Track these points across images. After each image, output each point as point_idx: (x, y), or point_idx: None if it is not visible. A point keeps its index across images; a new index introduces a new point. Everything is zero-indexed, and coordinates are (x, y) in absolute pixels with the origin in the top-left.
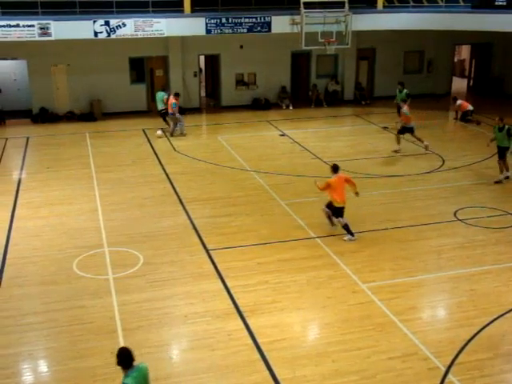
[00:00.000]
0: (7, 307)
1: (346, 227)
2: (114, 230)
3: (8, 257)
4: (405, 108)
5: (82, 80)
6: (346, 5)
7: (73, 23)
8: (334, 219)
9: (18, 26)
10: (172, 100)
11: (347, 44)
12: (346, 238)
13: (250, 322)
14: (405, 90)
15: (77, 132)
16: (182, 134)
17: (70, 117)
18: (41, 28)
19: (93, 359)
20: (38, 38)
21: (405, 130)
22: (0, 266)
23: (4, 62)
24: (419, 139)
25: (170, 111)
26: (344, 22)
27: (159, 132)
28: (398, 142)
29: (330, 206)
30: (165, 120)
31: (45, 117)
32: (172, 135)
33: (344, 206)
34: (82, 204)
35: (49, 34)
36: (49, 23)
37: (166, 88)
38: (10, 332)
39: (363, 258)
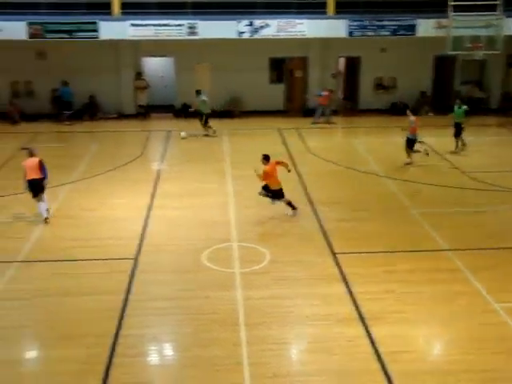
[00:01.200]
0: (139, 291)
1: (289, 203)
2: (243, 225)
3: (144, 243)
4: None
5: (223, 78)
6: (499, 7)
7: (218, 23)
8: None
9: (167, 25)
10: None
11: (498, 50)
12: (289, 213)
13: (372, 329)
14: (464, 107)
15: (215, 128)
16: (329, 122)
17: (210, 114)
18: (189, 27)
19: (214, 349)
20: (186, 37)
21: None
22: (136, 251)
23: (153, 59)
24: None
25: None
26: (496, 25)
27: (183, 133)
28: None
29: (267, 189)
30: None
31: (187, 112)
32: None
33: (281, 188)
34: (215, 198)
35: (196, 33)
36: (196, 23)
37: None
38: (137, 314)
39: (499, 276)
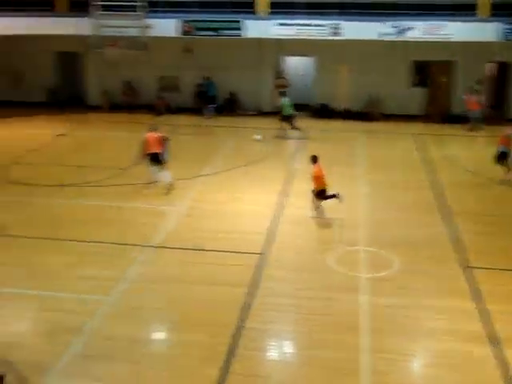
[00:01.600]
0: (263, 286)
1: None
2: (372, 230)
3: (271, 239)
4: None
5: (362, 79)
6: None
7: (361, 24)
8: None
9: (311, 25)
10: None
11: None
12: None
13: (503, 351)
14: None
15: (351, 130)
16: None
17: (347, 115)
18: (333, 28)
19: (333, 351)
20: (328, 38)
21: None
22: (263, 247)
23: (294, 58)
24: None
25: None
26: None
27: (258, 136)
28: None
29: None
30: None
31: (323, 112)
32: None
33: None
34: (344, 200)
35: (339, 34)
36: (340, 24)
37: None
38: (260, 309)
39: None
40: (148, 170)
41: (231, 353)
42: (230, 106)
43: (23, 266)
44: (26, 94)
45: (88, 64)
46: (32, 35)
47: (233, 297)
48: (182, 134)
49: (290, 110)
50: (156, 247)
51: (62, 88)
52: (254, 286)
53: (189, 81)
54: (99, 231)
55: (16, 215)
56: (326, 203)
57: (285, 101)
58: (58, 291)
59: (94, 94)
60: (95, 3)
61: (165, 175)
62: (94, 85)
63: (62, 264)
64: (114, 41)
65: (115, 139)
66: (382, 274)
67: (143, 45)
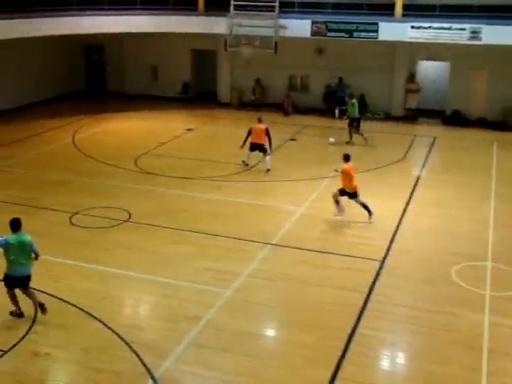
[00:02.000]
0: (381, 293)
1: (365, 206)
2: (503, 246)
3: (392, 247)
4: None
5: (501, 87)
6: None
7: (504, 28)
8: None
9: (448, 28)
10: None
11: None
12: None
13: None
14: None
15: (485, 139)
16: None
17: (481, 123)
18: (472, 32)
19: (449, 369)
20: (466, 42)
21: None
22: (384, 254)
23: (427, 62)
24: None
25: None
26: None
27: (332, 139)
28: None
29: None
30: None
31: (456, 119)
32: None
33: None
34: (472, 213)
35: (478, 39)
36: (481, 27)
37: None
38: (376, 316)
39: None
40: (249, 155)
41: (342, 357)
42: (359, 109)
43: (146, 252)
44: (161, 89)
45: (221, 62)
46: (169, 33)
47: (348, 301)
48: (309, 135)
49: (355, 113)
50: (275, 245)
51: (194, 84)
52: (371, 292)
53: (318, 81)
54: (220, 225)
55: (142, 203)
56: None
57: (350, 102)
58: (178, 279)
59: (224, 91)
60: (232, 3)
61: (267, 161)
62: (225, 82)
63: (182, 254)
64: (248, 40)
65: (242, 136)
66: (510, 293)
67: (275, 44)
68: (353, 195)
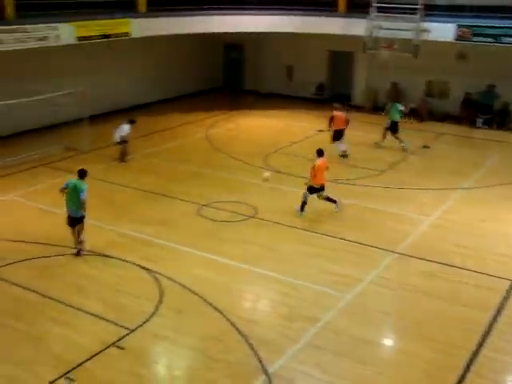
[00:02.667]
0: (510, 315)
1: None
2: None
3: None
4: None
5: None
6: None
7: None
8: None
9: None
10: None
11: None
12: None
13: None
14: None
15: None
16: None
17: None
18: None
19: None
20: None
21: None
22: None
23: None
24: None
25: None
26: None
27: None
28: None
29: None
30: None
31: None
32: None
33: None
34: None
35: None
36: None
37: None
38: (505, 339)
39: None
40: (334, 144)
41: (461, 377)
42: (501, 119)
43: (270, 248)
44: (295, 89)
45: (357, 64)
46: (307, 33)
47: (473, 319)
48: (444, 143)
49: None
50: (400, 254)
51: (329, 86)
52: (499, 312)
53: (458, 88)
54: (344, 228)
55: (269, 200)
56: None
57: (396, 105)
58: (298, 279)
59: (359, 93)
60: (374, 5)
61: (342, 146)
62: (360, 85)
63: (305, 254)
64: (388, 42)
65: (373, 140)
66: None
67: (415, 48)
68: (320, 189)
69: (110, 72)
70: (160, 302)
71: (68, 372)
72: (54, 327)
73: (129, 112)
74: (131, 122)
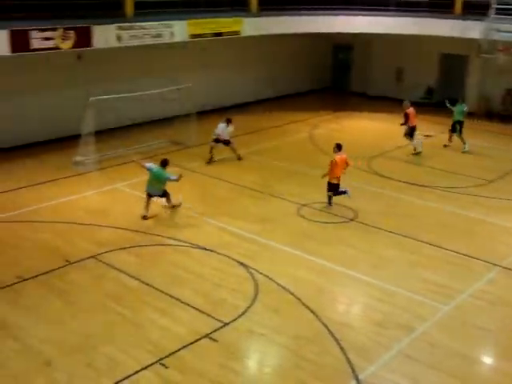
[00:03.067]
0: None
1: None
2: None
3: None
4: None
5: None
6: None
7: None
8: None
9: None
10: None
11: None
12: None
13: None
14: None
15: None
16: None
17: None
18: None
19: None
20: None
21: None
22: None
23: None
24: None
25: None
26: None
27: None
28: None
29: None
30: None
31: None
32: None
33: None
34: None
35: None
36: None
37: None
38: None
39: None
40: (410, 140)
41: None
42: None
43: (367, 252)
44: (403, 92)
45: (471, 68)
46: (419, 35)
47: None
48: None
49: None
50: (506, 268)
51: (439, 89)
52: None
53: None
54: (447, 238)
55: (370, 204)
56: None
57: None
58: (394, 285)
59: (471, 98)
60: (494, 6)
61: (415, 143)
62: (472, 90)
63: (403, 260)
64: (505, 46)
65: (480, 148)
66: None
67: None
68: (337, 186)
69: (218, 69)
70: (255, 298)
71: (162, 359)
72: (153, 314)
73: (240, 109)
74: (228, 121)
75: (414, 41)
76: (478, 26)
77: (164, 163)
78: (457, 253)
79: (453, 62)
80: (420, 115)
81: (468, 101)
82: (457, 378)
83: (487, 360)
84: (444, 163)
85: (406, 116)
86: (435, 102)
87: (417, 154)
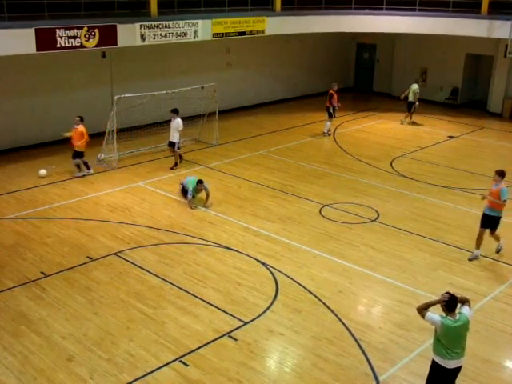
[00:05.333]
0: None
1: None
2: None
3: None
4: None
5: None
6: None
7: None
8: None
9: None
10: None
11: None
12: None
13: None
14: None
15: None
16: None
17: None
18: None
19: None
20: None
21: None
22: None
23: None
24: None
25: None
26: None
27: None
28: None
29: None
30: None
31: None
32: None
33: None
34: None
35: None
36: None
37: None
38: None
39: None
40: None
41: None
42: None
43: (390, 254)
44: (427, 93)
45: (497, 69)
46: (444, 35)
47: None
48: None
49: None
50: None
51: (464, 90)
52: None
53: None
54: (473, 241)
55: (392, 205)
56: None
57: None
58: (417, 288)
59: (496, 100)
60: None
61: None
62: (498, 91)
63: (426, 263)
64: None
65: (506, 149)
66: None
67: None
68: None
69: (241, 69)
70: (275, 298)
71: (182, 356)
72: (173, 312)
73: (262, 108)
74: (174, 111)
75: (438, 41)
76: (505, 26)
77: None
78: (482, 256)
79: (478, 63)
80: (444, 116)
81: (493, 102)
82: (480, 382)
83: (511, 365)
84: (468, 164)
85: (331, 96)
86: (459, 103)
87: (327, 134)
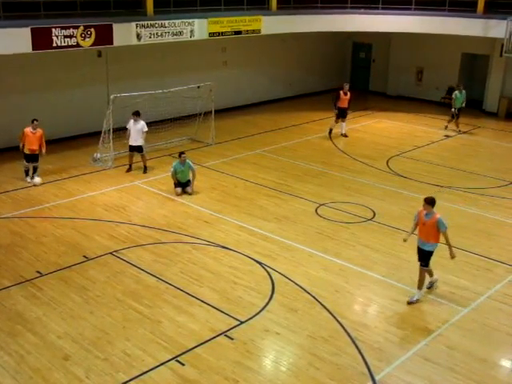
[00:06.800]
0: None
1: None
2: None
3: None
4: None
5: None
6: None
7: None
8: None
9: None
10: None
11: None
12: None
13: None
14: None
15: None
16: None
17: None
18: None
19: None
20: None
21: None
22: None
23: None
24: None
25: None
26: None
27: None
28: None
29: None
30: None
31: None
32: None
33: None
34: None
35: None
36: None
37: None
38: None
39: None
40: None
41: None
42: None
43: (385, 253)
44: (423, 92)
45: (493, 68)
46: (440, 35)
47: None
48: None
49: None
50: None
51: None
52: None
53: None
54: (468, 240)
55: (388, 204)
56: None
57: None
58: (413, 287)
59: (492, 99)
60: None
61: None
62: (494, 90)
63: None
64: None
65: (501, 149)
66: None
67: None
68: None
69: (237, 68)
70: (271, 297)
71: (178, 355)
72: (169, 311)
73: (257, 108)
74: (136, 113)
75: (434, 40)
76: (501, 25)
77: (180, 155)
78: (477, 255)
79: (474, 62)
80: (439, 116)
81: (488, 101)
82: (475, 381)
83: (507, 364)
84: (463, 164)
85: (338, 97)
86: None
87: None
